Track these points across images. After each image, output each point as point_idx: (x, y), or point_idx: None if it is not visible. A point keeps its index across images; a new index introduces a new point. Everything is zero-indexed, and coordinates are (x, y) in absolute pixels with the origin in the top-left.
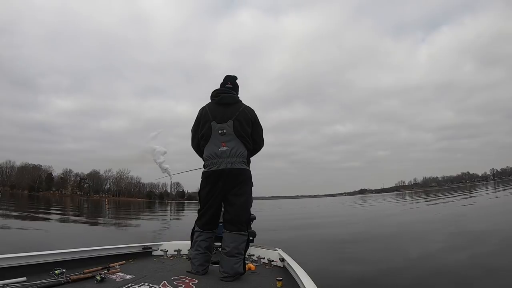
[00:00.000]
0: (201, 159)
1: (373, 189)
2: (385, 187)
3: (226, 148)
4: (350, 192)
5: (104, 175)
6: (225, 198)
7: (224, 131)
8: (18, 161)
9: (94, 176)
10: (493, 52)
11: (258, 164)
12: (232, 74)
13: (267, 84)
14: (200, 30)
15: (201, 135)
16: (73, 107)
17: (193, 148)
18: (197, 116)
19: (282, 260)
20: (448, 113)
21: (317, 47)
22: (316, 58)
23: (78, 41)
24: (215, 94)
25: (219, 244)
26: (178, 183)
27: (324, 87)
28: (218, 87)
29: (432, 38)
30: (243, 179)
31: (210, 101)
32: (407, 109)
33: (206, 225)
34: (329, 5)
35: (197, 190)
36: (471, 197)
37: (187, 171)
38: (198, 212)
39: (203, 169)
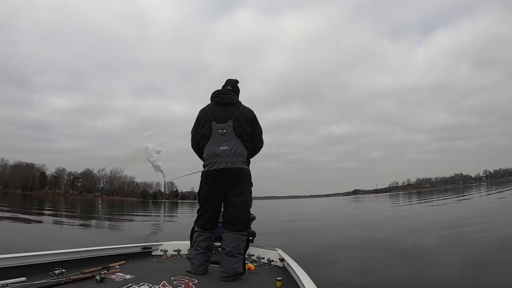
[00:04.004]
0: (201, 160)
1: (366, 189)
2: (378, 188)
3: (226, 147)
4: (344, 193)
5: (97, 174)
6: (224, 198)
7: (224, 130)
8: (12, 159)
9: (87, 175)
10: (489, 55)
11: (253, 164)
12: (233, 78)
13: (264, 84)
14: (198, 30)
15: (201, 135)
16: (69, 105)
17: (193, 149)
18: (197, 117)
19: (282, 260)
20: (443, 114)
21: (315, 48)
22: (314, 59)
23: (75, 39)
24: (215, 95)
25: (219, 244)
26: (172, 183)
27: (321, 87)
28: (218, 89)
29: (429, 40)
30: (243, 178)
31: (209, 101)
32: (403, 110)
33: (206, 225)
34: (328, 6)
35: (191, 190)
36: (464, 199)
37: (185, 175)
38: (198, 212)
39: (203, 169)
